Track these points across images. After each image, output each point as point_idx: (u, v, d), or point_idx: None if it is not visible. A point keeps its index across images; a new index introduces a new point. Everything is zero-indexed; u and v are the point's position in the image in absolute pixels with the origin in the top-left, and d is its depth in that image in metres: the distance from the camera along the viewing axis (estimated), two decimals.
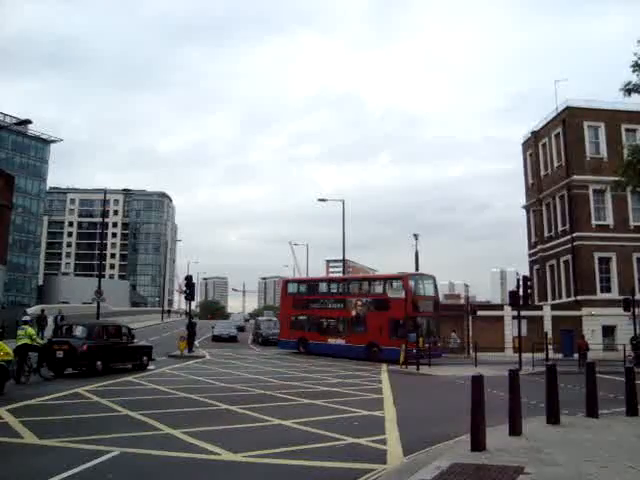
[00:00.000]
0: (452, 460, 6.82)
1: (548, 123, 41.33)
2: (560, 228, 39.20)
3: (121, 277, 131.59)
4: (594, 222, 36.78)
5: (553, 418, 9.55)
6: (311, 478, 6.90)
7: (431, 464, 6.67)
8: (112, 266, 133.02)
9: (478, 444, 7.36)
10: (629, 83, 20.18)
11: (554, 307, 36.95)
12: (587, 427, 9.47)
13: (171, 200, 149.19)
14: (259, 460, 7.53)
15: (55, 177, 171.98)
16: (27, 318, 18.34)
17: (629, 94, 20.44)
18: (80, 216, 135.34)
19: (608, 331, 34.75)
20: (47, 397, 12.80)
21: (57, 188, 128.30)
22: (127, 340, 20.13)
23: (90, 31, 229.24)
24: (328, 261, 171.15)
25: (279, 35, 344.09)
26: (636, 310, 27.85)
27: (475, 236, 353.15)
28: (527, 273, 39.42)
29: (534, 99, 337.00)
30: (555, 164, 40.16)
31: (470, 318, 34.62)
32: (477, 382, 7.77)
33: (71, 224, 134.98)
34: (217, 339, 40.44)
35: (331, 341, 29.63)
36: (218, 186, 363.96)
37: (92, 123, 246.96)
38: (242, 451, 7.86)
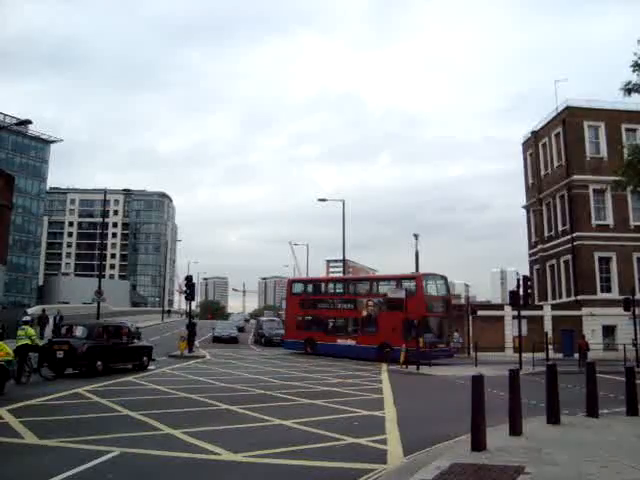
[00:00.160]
0: (452, 460, 6.82)
1: (548, 123, 41.34)
2: (560, 228, 39.21)
3: (121, 277, 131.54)
4: (594, 222, 36.80)
5: (553, 418, 9.54)
6: (311, 478, 6.90)
7: (431, 464, 6.67)
8: (112, 266, 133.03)
9: (478, 444, 7.36)
10: (629, 83, 20.14)
11: (554, 307, 36.95)
12: (587, 427, 9.47)
13: (171, 200, 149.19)
14: (259, 460, 7.53)
15: (55, 177, 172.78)
16: (27, 318, 18.34)
17: (629, 94, 20.41)
18: (80, 216, 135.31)
19: (608, 331, 34.78)
20: (47, 397, 12.80)
21: (57, 188, 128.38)
22: (127, 340, 20.15)
23: (90, 31, 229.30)
24: (328, 261, 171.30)
25: (279, 35, 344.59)
26: (636, 310, 27.85)
27: (475, 236, 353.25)
28: (527, 273, 39.48)
29: (534, 99, 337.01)
30: (555, 164, 40.17)
31: (470, 318, 34.67)
32: (477, 382, 7.78)
33: (71, 224, 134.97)
34: (217, 340, 40.39)
35: (340, 342, 29.14)
36: (218, 186, 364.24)
37: (92, 123, 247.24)
38: (242, 451, 7.86)
